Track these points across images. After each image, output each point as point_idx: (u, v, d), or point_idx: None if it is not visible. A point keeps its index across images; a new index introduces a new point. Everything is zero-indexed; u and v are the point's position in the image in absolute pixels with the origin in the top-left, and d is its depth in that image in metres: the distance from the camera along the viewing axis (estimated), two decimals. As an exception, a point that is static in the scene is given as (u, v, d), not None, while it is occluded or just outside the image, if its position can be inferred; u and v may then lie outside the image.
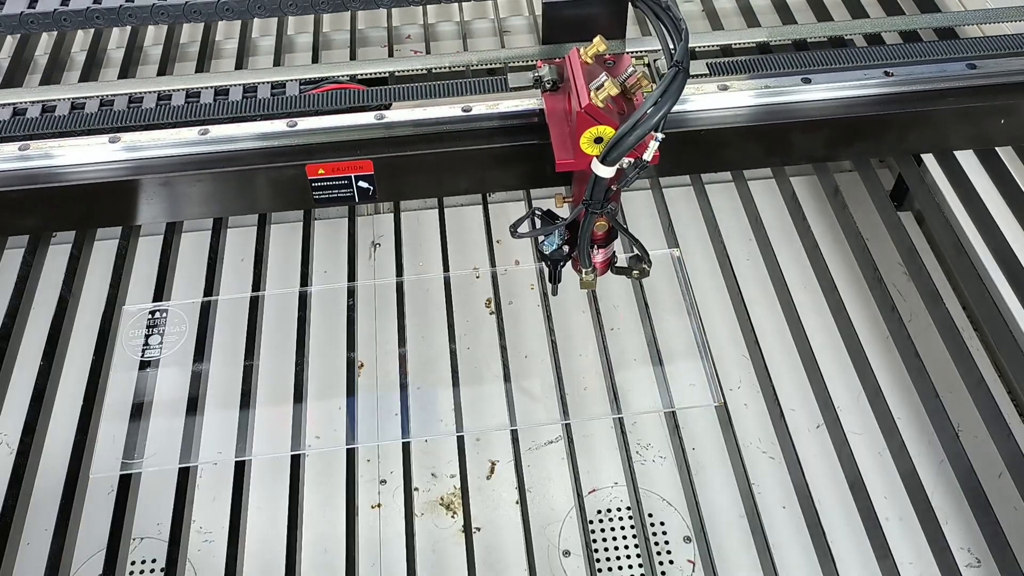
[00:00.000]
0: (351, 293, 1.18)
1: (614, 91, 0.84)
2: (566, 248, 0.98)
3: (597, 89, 0.84)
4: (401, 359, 1.13)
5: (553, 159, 0.91)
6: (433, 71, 1.21)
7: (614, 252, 1.02)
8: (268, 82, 1.14)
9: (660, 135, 0.82)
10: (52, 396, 1.11)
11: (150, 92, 1.12)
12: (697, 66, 1.12)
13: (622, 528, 1.16)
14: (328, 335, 1.20)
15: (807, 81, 1.10)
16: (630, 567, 1.13)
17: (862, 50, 1.14)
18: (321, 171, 1.01)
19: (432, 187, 1.13)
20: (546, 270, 1.02)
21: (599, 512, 1.18)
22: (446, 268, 1.21)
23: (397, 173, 1.08)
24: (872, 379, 1.10)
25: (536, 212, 0.97)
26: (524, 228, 0.95)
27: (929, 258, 1.25)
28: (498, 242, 1.26)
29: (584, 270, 1.00)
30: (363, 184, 1.04)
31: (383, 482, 1.21)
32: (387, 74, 1.17)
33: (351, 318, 1.16)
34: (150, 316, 1.13)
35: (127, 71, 1.51)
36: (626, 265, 1.02)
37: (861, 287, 1.27)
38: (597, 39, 0.90)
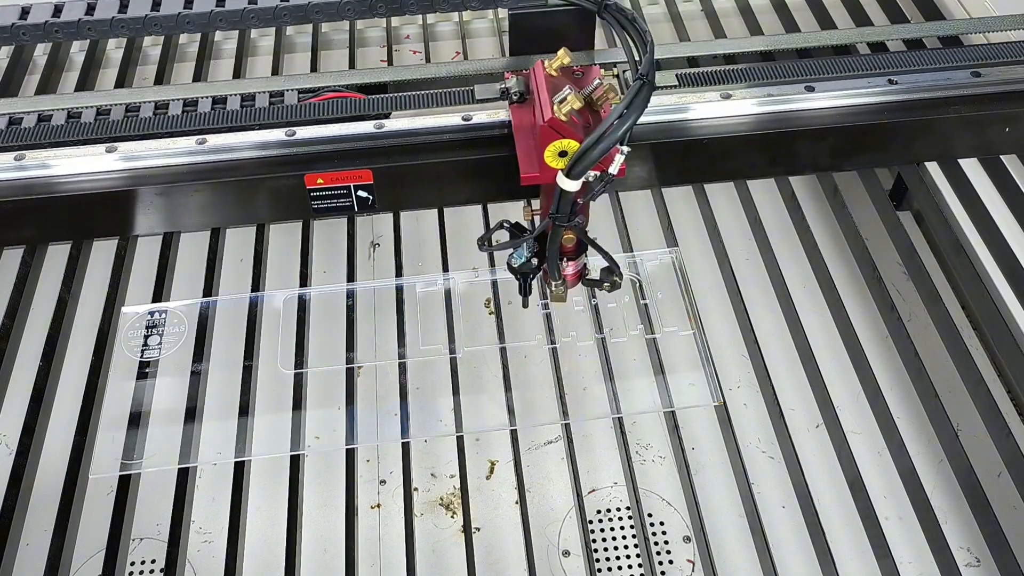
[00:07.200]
0: (350, 294, 1.18)
1: (577, 104, 0.82)
2: (535, 261, 0.96)
3: (560, 103, 0.82)
4: (400, 359, 1.13)
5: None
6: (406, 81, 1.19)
7: (585, 264, 1.00)
8: (266, 91, 1.13)
9: (626, 148, 0.80)
10: (52, 396, 1.11)
11: (147, 101, 1.10)
12: (667, 77, 1.10)
13: (622, 528, 1.16)
14: (327, 335, 1.19)
15: (810, 89, 1.09)
16: (630, 567, 1.13)
17: (866, 58, 1.12)
18: (320, 180, 1.00)
19: (432, 197, 1.11)
20: (517, 282, 1.00)
21: (599, 512, 1.18)
22: (445, 268, 1.21)
23: (397, 183, 1.07)
24: (871, 379, 1.10)
25: (504, 224, 0.95)
26: (492, 241, 0.93)
27: (928, 258, 1.25)
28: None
29: (554, 283, 0.98)
30: (362, 194, 1.04)
31: (383, 482, 1.21)
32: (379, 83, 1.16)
33: (350, 319, 1.16)
34: (149, 317, 1.13)
35: (125, 71, 1.51)
36: (597, 277, 1.00)
37: (860, 287, 1.27)
38: (561, 51, 0.88)
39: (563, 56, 0.88)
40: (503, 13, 1.74)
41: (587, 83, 0.87)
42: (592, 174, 0.82)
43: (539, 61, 0.90)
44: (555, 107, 0.82)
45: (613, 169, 0.81)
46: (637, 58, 0.87)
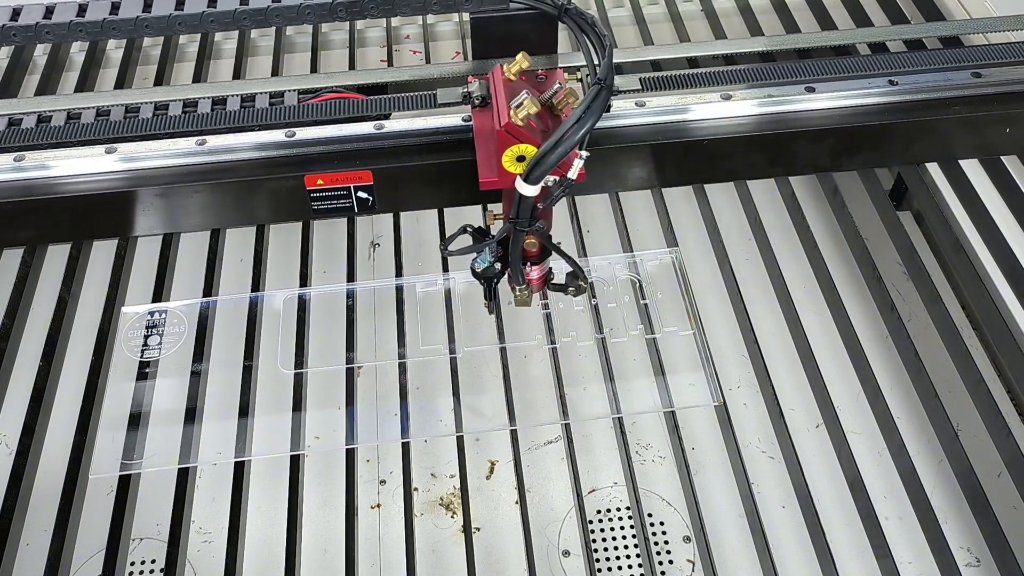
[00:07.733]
0: (350, 294, 1.18)
1: (534, 109, 0.81)
2: (498, 265, 0.96)
3: (517, 107, 0.81)
4: (400, 359, 1.13)
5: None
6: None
7: (550, 268, 0.99)
8: (266, 92, 1.13)
9: (585, 152, 0.80)
10: (52, 396, 1.11)
11: (147, 102, 1.10)
12: (628, 81, 1.09)
13: (622, 528, 1.16)
14: (327, 335, 1.20)
15: (811, 90, 1.09)
16: (630, 567, 1.13)
17: (866, 59, 1.12)
18: (320, 181, 1.00)
19: (432, 198, 1.11)
20: (482, 287, 0.99)
21: (599, 512, 1.18)
22: (445, 268, 1.21)
23: (397, 183, 1.07)
24: (871, 379, 1.10)
25: (467, 229, 0.95)
26: (455, 245, 0.92)
27: (928, 258, 1.25)
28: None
29: (517, 288, 0.97)
30: (362, 195, 1.04)
31: (383, 482, 1.21)
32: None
33: (350, 319, 1.16)
34: (149, 317, 1.13)
35: (125, 72, 1.51)
36: (563, 282, 0.99)
37: (860, 287, 1.27)
38: (520, 55, 0.88)
39: (521, 60, 0.88)
40: (504, 13, 1.74)
41: (548, 87, 0.86)
42: (551, 179, 0.82)
43: (498, 65, 0.89)
44: (512, 112, 0.81)
45: (572, 174, 0.81)
46: (597, 62, 0.87)
